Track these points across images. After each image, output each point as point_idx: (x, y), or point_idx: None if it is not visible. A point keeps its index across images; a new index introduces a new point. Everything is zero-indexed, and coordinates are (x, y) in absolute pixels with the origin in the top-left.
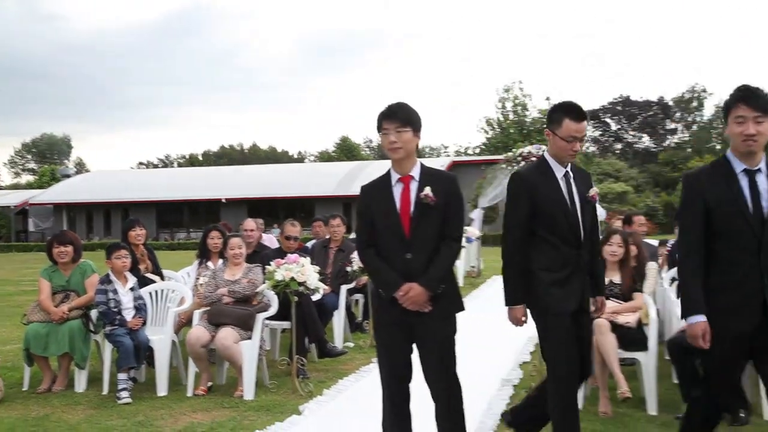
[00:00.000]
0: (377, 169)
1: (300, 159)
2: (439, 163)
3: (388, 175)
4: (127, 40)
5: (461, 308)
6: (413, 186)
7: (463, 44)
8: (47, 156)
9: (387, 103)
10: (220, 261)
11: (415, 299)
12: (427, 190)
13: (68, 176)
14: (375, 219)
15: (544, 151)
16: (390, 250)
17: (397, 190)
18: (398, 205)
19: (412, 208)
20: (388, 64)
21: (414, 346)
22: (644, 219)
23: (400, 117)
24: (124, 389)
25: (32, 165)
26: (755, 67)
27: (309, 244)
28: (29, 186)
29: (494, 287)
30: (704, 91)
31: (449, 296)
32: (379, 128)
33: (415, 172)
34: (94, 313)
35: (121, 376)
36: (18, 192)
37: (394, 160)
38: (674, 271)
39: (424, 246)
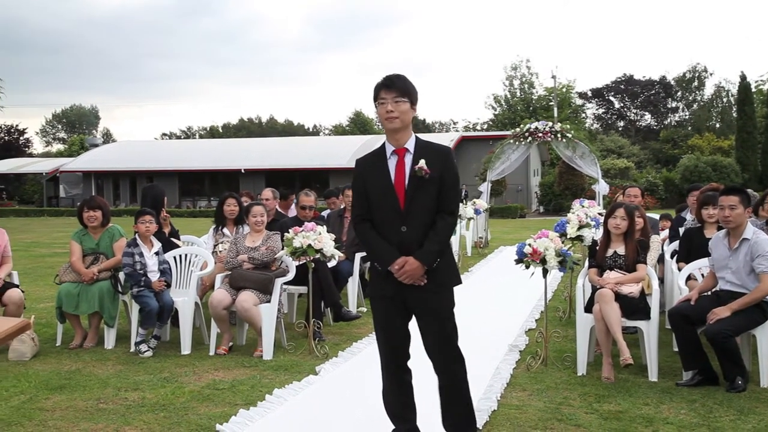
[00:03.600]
0: None
1: (315, 132)
2: (448, 138)
3: (383, 147)
4: (148, 16)
5: (458, 281)
6: (408, 158)
7: (473, 22)
8: (76, 126)
9: (383, 75)
10: (235, 228)
11: (410, 273)
12: (422, 163)
13: (96, 146)
14: (369, 192)
15: (549, 126)
16: (385, 223)
17: (392, 163)
18: (393, 177)
19: (406, 181)
20: (398, 40)
21: (413, 320)
22: (638, 191)
23: (398, 87)
24: (142, 342)
25: (62, 134)
26: (755, 47)
27: (324, 213)
28: (60, 154)
29: (501, 257)
30: (705, 70)
31: (445, 269)
32: (376, 98)
33: (410, 145)
34: (122, 275)
35: (141, 331)
36: (49, 160)
37: (389, 130)
38: (675, 244)
39: (419, 219)
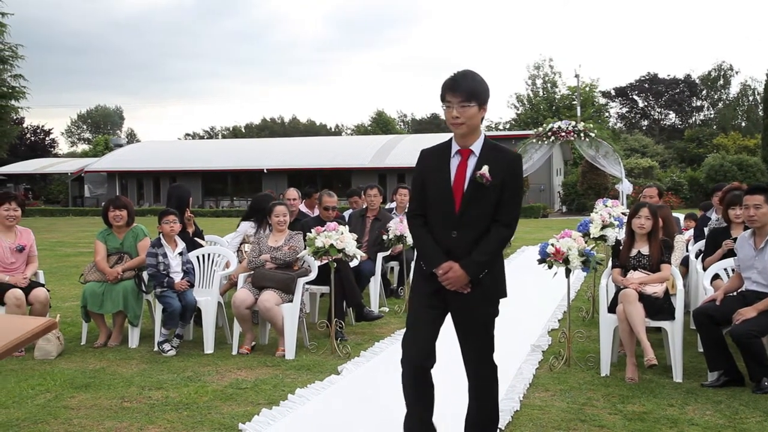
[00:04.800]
0: (411, 142)
1: (337, 132)
2: None
3: (449, 143)
4: (170, 17)
5: (504, 294)
6: (471, 161)
7: (496, 20)
8: (101, 126)
9: (453, 72)
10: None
11: (454, 280)
12: (485, 169)
13: (120, 146)
14: (427, 187)
15: (572, 125)
16: (436, 223)
17: (454, 163)
18: (452, 178)
19: (465, 185)
20: (419, 39)
21: (442, 319)
22: (655, 191)
23: (464, 90)
24: (165, 341)
25: (87, 135)
26: None
27: (346, 214)
28: (84, 154)
29: (523, 257)
30: (730, 69)
31: (493, 281)
32: (443, 99)
33: (476, 147)
34: (145, 275)
35: (163, 330)
36: (74, 160)
37: (455, 133)
38: (701, 244)
39: (472, 226)
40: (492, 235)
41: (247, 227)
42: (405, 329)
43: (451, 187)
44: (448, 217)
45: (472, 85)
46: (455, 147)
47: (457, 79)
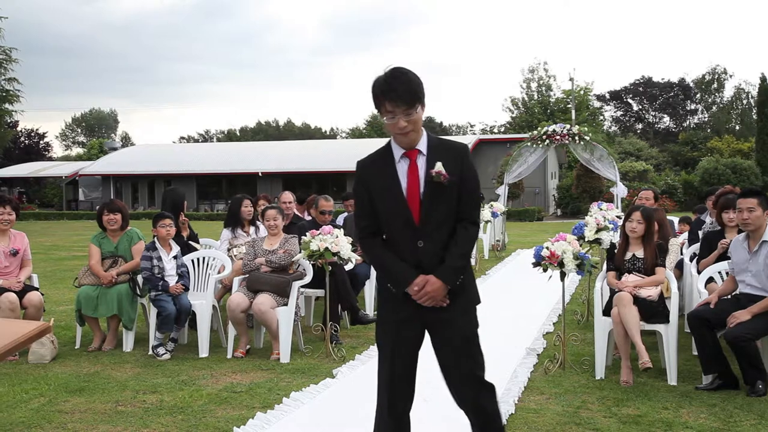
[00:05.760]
0: None
1: (332, 135)
2: (466, 141)
3: (388, 149)
4: (165, 20)
5: (479, 300)
6: (421, 161)
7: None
8: (95, 130)
9: (381, 74)
10: (251, 228)
11: (432, 294)
12: (439, 166)
13: (115, 149)
14: (376, 202)
15: (567, 129)
16: (398, 237)
17: (402, 168)
18: (404, 185)
19: (421, 188)
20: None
21: (420, 345)
22: (651, 194)
23: (404, 95)
24: (160, 345)
25: (82, 138)
26: None
27: (341, 217)
28: (79, 158)
29: (518, 260)
30: (724, 72)
31: (467, 287)
32: (380, 108)
33: (422, 145)
34: (140, 278)
35: (158, 334)
36: (68, 163)
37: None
38: (695, 247)
39: (437, 231)
40: (461, 236)
41: (227, 235)
42: (378, 377)
43: (404, 196)
44: (409, 228)
45: (411, 89)
46: (398, 151)
47: (393, 85)
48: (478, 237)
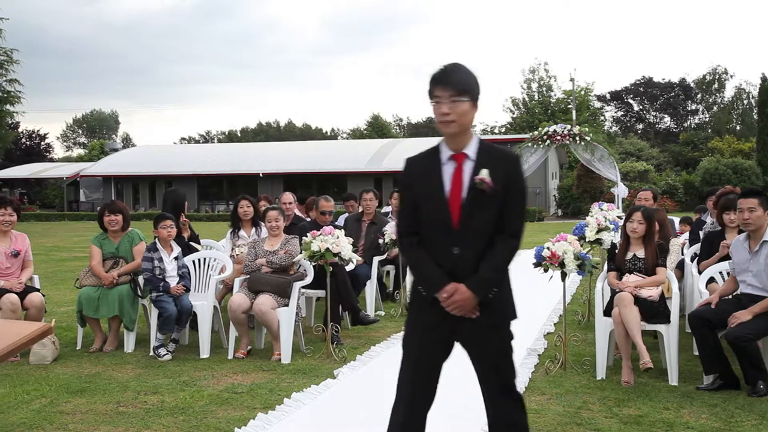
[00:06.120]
0: (407, 146)
1: (333, 136)
2: None
3: (437, 150)
4: (165, 21)
5: (515, 315)
6: (467, 166)
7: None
8: (96, 131)
9: (439, 65)
10: (253, 230)
11: (460, 304)
12: (484, 173)
13: (116, 150)
14: (418, 202)
15: (568, 129)
16: (434, 241)
17: (447, 170)
18: (447, 188)
19: (463, 194)
20: (415, 43)
21: (447, 356)
22: (650, 194)
23: (454, 83)
24: (161, 346)
25: (83, 139)
26: None
27: (342, 218)
28: (80, 159)
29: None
30: (725, 72)
31: (502, 302)
32: (431, 95)
33: (471, 150)
34: (141, 279)
35: (159, 335)
36: (69, 164)
37: (445, 134)
38: (696, 247)
39: (475, 240)
40: (499, 248)
41: (228, 236)
42: (399, 375)
43: (446, 199)
44: (446, 232)
45: (463, 78)
46: (446, 152)
47: (447, 71)
48: (517, 250)
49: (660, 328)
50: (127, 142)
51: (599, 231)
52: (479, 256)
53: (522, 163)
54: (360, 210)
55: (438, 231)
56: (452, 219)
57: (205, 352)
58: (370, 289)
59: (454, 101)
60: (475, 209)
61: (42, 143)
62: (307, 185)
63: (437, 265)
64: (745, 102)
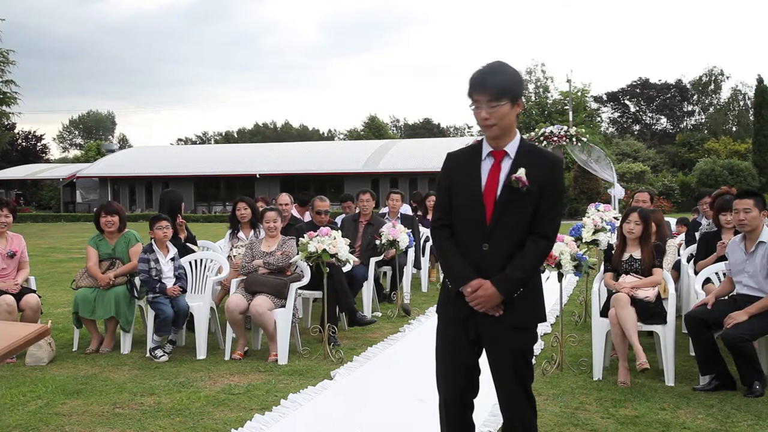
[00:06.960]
0: (404, 147)
1: (330, 137)
2: (463, 143)
3: (479, 145)
4: (162, 22)
5: (543, 318)
6: (505, 164)
7: (488, 25)
8: (93, 132)
9: (480, 66)
10: (252, 232)
11: (484, 300)
12: (521, 172)
13: (112, 151)
14: (454, 195)
15: (565, 130)
16: (465, 235)
17: (485, 166)
18: (483, 183)
19: (498, 191)
20: (412, 44)
21: (476, 350)
22: (647, 195)
23: (492, 86)
24: (158, 347)
25: (79, 140)
26: None
27: (338, 219)
28: (76, 160)
29: None
30: (721, 74)
31: (529, 303)
32: (470, 97)
33: (511, 148)
34: (138, 280)
35: (155, 336)
36: (66, 165)
37: (487, 136)
38: (693, 248)
39: (505, 238)
40: (529, 249)
41: (227, 238)
42: (436, 354)
43: (481, 193)
44: (478, 228)
45: (502, 81)
46: (487, 149)
47: (485, 74)
48: (548, 253)
49: (656, 328)
50: (124, 143)
51: (596, 232)
52: (508, 255)
53: (563, 166)
54: (357, 211)
55: (470, 226)
56: (485, 215)
57: (201, 353)
58: (367, 290)
59: (493, 106)
60: (508, 207)
61: (38, 144)
62: (304, 186)
63: (465, 260)
64: (741, 103)
